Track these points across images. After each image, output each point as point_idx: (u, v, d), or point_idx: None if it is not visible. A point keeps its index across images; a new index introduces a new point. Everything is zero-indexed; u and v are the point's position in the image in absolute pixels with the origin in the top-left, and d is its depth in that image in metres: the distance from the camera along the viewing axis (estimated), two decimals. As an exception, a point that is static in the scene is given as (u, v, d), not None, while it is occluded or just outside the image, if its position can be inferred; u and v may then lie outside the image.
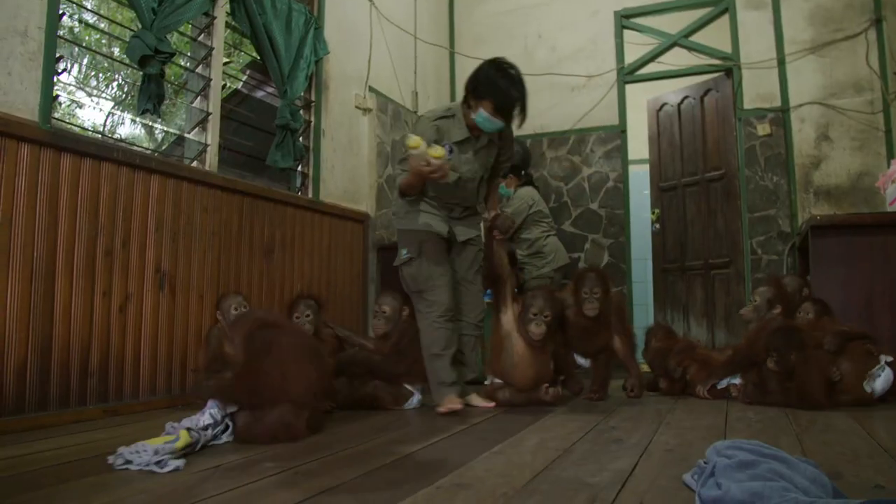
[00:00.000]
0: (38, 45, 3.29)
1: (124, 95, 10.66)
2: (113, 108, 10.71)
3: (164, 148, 5.49)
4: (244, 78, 6.48)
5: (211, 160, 4.31)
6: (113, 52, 7.88)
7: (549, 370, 3.79)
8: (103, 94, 9.77)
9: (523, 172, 6.35)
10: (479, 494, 1.95)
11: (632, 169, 7.11)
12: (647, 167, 7.27)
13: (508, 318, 3.74)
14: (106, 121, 10.80)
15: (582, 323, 3.89)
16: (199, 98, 4.42)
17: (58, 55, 3.43)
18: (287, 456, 2.53)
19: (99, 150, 3.52)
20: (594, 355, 4.14)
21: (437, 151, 3.40)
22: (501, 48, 7.34)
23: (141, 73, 3.84)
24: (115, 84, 10.36)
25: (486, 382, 3.96)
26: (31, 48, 3.25)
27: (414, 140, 3.41)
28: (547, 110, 7.16)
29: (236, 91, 5.62)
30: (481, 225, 4.04)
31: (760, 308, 4.35)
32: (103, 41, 8.68)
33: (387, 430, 3.10)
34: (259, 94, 5.87)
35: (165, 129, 5.10)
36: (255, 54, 4.93)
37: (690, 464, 2.13)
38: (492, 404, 3.73)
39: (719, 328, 6.43)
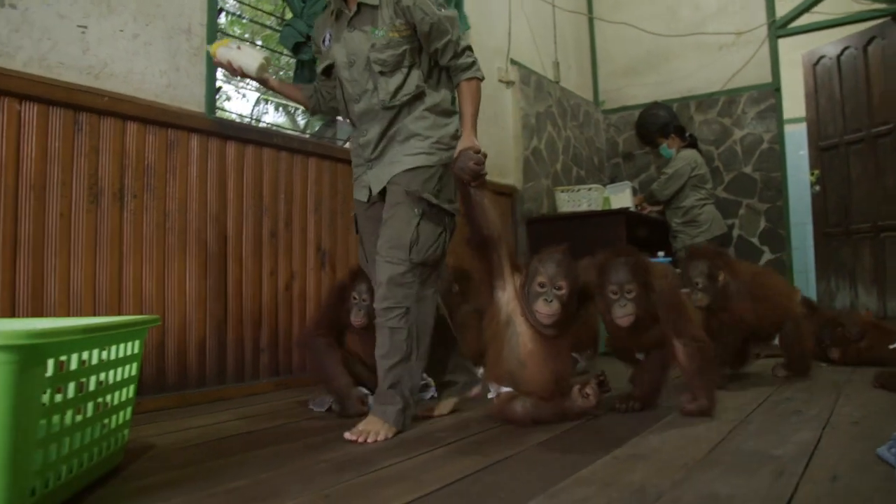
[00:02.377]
0: (201, 40, 3.38)
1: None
2: (261, 96, 11.09)
3: (314, 131, 5.57)
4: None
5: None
6: (256, 44, 8.08)
7: (567, 367, 2.59)
8: (249, 85, 10.12)
9: (688, 134, 6.03)
10: (658, 465, 1.90)
11: (787, 129, 6.63)
12: (803, 126, 6.75)
13: (508, 296, 2.52)
14: (252, 109, 11.23)
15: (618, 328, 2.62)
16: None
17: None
18: (461, 426, 2.53)
19: (260, 137, 3.61)
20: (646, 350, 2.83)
21: (222, 42, 2.75)
22: (642, 10, 7.04)
23: (294, 60, 3.89)
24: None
25: (489, 395, 2.70)
26: (194, 44, 3.34)
27: (213, 46, 2.75)
28: (693, 72, 6.80)
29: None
30: (418, 155, 2.55)
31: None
32: (246, 35, 8.96)
33: None
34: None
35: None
36: (400, 34, 4.91)
37: (881, 437, 1.98)
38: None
39: (893, 296, 5.86)
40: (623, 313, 2.51)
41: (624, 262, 2.55)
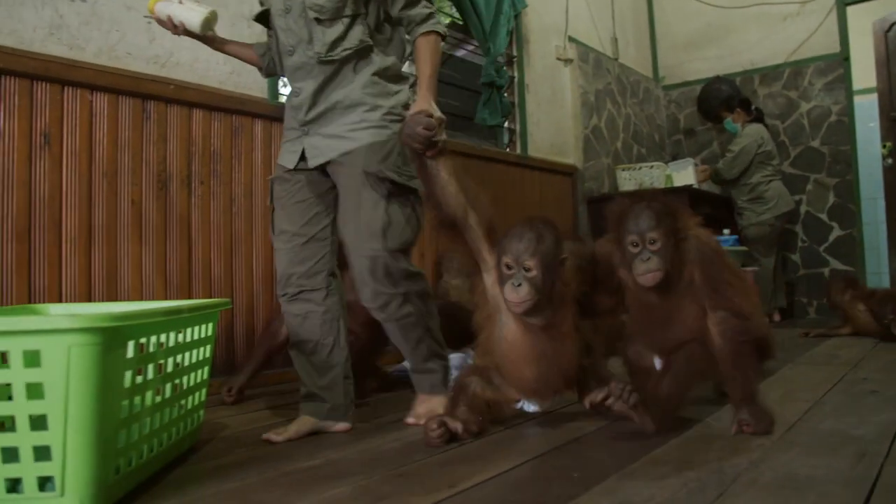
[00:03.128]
0: (262, 28, 3.36)
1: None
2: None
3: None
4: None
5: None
6: None
7: (568, 364, 2.11)
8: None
9: (753, 107, 5.84)
10: (733, 445, 1.87)
11: (857, 100, 6.35)
12: (874, 97, 6.46)
13: (493, 281, 2.11)
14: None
15: (643, 298, 2.18)
16: (407, 62, 4.40)
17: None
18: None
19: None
20: (671, 352, 2.17)
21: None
22: (704, -18, 6.84)
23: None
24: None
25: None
26: (256, 31, 3.34)
27: (151, 1, 2.38)
28: (756, 44, 6.58)
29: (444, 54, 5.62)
30: (369, 129, 2.22)
31: None
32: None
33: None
34: (459, 52, 5.81)
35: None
36: (455, 15, 4.86)
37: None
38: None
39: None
40: (645, 269, 2.01)
41: (646, 206, 2.07)
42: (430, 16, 2.27)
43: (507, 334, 2.10)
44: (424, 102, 2.09)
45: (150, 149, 2.91)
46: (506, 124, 5.11)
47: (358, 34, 2.22)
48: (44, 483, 1.40)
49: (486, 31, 4.71)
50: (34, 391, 1.38)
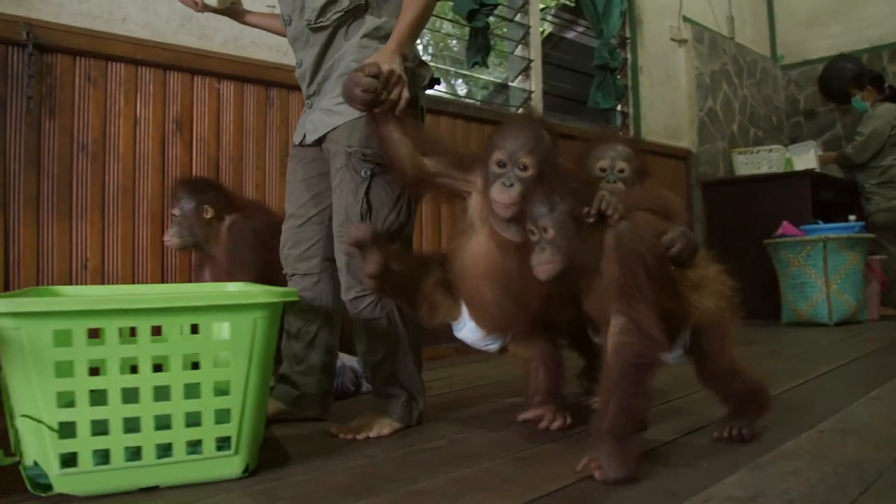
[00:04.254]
0: None
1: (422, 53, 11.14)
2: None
3: (485, 96, 5.59)
4: (549, 20, 6.35)
5: (536, 106, 4.24)
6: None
7: (537, 297, 1.73)
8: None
9: (887, 86, 5.46)
10: (872, 440, 1.74)
11: None
12: None
13: (475, 197, 1.82)
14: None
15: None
16: (519, 46, 4.36)
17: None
18: (651, 394, 2.43)
19: (436, 106, 3.60)
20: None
21: None
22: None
23: (468, 27, 3.86)
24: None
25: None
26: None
27: None
28: (886, 18, 6.17)
29: (549, 35, 5.53)
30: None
31: None
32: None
33: None
34: (570, 34, 5.72)
35: (488, 78, 5.16)
36: (568, -3, 4.78)
37: None
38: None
39: None
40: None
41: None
42: None
43: (475, 246, 1.79)
44: (381, 55, 1.81)
45: (274, 134, 2.98)
46: (619, 107, 4.98)
47: None
48: (220, 444, 1.53)
49: (598, 13, 4.60)
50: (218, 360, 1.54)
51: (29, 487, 1.41)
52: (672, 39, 5.45)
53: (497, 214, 1.72)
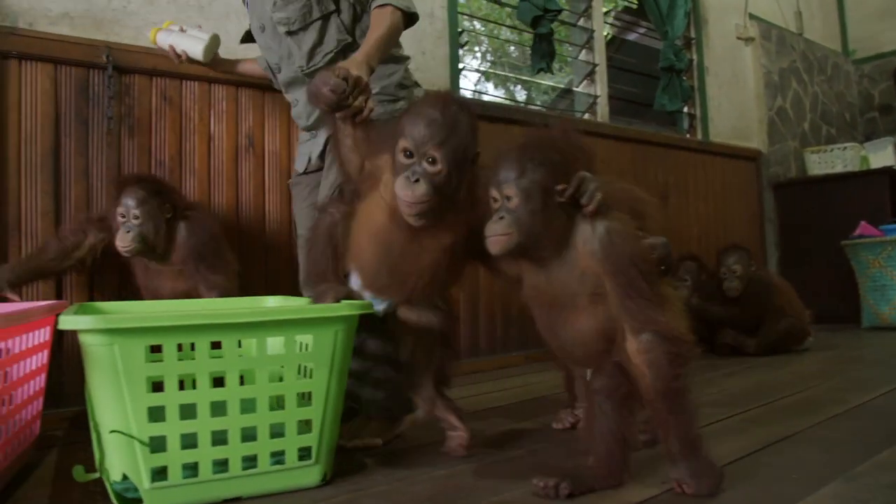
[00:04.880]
0: (444, 23, 3.41)
1: (487, 60, 11.10)
2: (479, 72, 11.17)
3: (548, 102, 5.55)
4: (612, 23, 6.26)
5: (602, 111, 4.19)
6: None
7: (418, 275, 1.68)
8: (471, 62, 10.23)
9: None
10: None
11: None
12: None
13: (383, 161, 1.68)
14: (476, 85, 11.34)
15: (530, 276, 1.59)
16: (583, 50, 4.31)
17: (459, 30, 3.54)
18: (726, 401, 2.36)
19: (505, 114, 3.59)
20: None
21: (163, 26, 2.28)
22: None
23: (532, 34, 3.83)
24: (478, 51, 10.75)
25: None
26: (437, 27, 3.39)
27: (153, 31, 2.32)
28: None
29: (612, 38, 5.46)
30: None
31: None
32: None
33: (817, 377, 2.81)
34: (631, 36, 5.63)
35: (548, 83, 5.11)
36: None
37: None
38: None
39: None
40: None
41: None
42: None
43: (371, 211, 1.69)
44: (350, 62, 1.81)
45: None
46: (685, 109, 4.88)
47: (334, 34, 2.12)
48: (301, 453, 1.56)
49: (663, 14, 4.51)
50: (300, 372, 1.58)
51: (115, 503, 1.42)
52: (738, 38, 5.31)
53: (401, 206, 1.54)
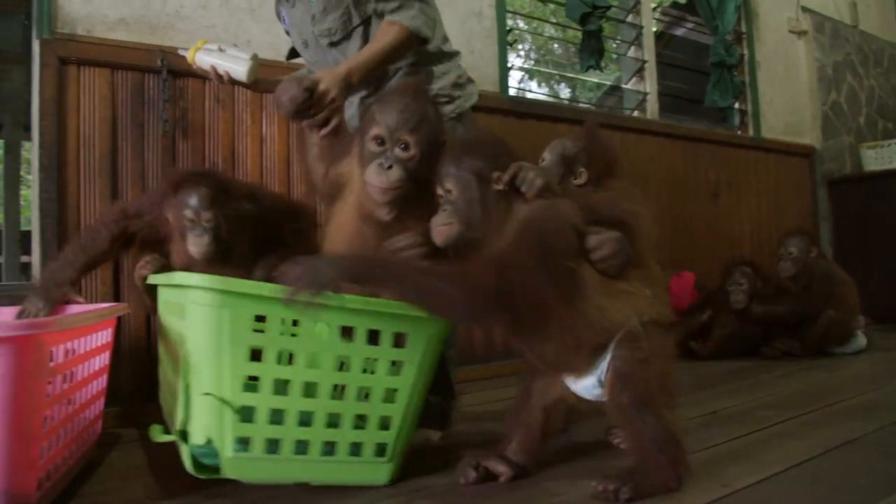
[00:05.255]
0: (492, 21, 3.39)
1: (533, 58, 11.03)
2: (524, 70, 11.11)
3: (596, 99, 5.50)
4: (662, 18, 6.17)
5: (651, 108, 4.13)
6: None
7: None
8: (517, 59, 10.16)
9: None
10: None
11: None
12: None
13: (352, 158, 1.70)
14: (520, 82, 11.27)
15: None
16: (632, 47, 4.26)
17: (507, 28, 3.53)
18: (782, 404, 2.34)
19: (552, 112, 3.57)
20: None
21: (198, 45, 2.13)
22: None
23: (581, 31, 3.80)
24: (521, 48, 10.68)
25: None
26: (486, 26, 3.37)
27: (190, 51, 2.14)
28: None
29: (660, 34, 5.38)
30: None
31: None
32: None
33: (874, 380, 2.77)
34: (678, 31, 5.55)
35: (594, 80, 5.07)
36: (679, -7, 4.64)
37: None
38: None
39: None
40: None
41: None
42: (398, 8, 1.95)
43: (341, 215, 1.70)
44: (327, 73, 1.78)
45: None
46: (736, 105, 4.79)
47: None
48: (378, 450, 1.57)
49: (713, 9, 4.43)
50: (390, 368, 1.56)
51: (188, 466, 1.43)
52: (791, 32, 5.19)
53: (371, 197, 1.56)
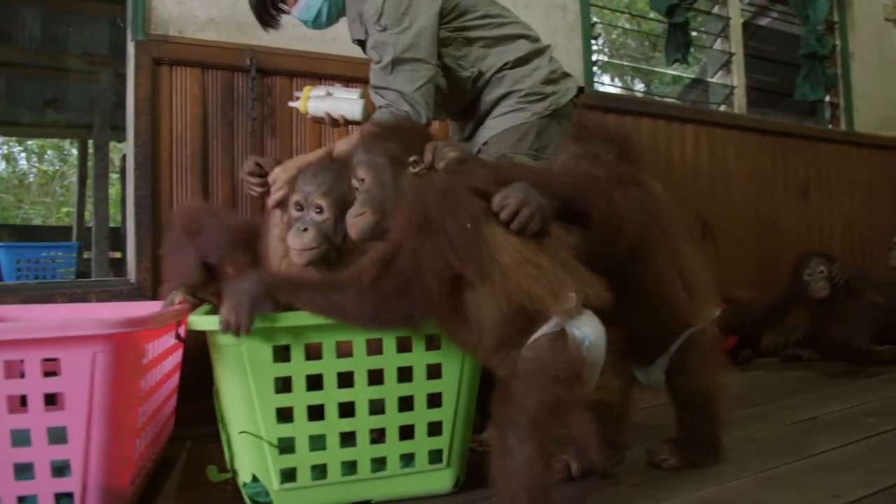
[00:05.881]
0: (576, 15, 3.34)
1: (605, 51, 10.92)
2: (600, 63, 10.96)
3: (678, 93, 5.36)
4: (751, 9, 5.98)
5: (739, 102, 4.00)
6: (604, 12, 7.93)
7: None
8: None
9: None
10: None
11: None
12: None
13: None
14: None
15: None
16: (717, 39, 4.13)
17: (592, 22, 3.47)
18: (886, 411, 2.24)
19: (637, 107, 3.52)
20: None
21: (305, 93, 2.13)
22: None
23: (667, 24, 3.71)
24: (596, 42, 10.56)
25: None
26: (570, 19, 3.32)
27: (303, 100, 2.12)
28: None
29: (745, 24, 5.22)
30: (507, 114, 2.08)
31: None
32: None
33: None
34: (762, 20, 5.36)
35: (675, 74, 4.95)
36: (768, -18, 4.49)
37: None
38: None
39: None
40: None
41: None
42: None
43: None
44: (289, 161, 1.86)
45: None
46: (827, 98, 4.59)
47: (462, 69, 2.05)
48: (432, 457, 1.52)
49: (804, -2, 4.27)
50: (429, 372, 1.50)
51: None
52: (887, 20, 4.95)
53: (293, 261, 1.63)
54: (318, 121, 2.14)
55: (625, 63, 8.62)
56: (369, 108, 2.08)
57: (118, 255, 5.53)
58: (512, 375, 1.24)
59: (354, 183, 1.50)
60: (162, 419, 1.84)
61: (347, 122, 2.12)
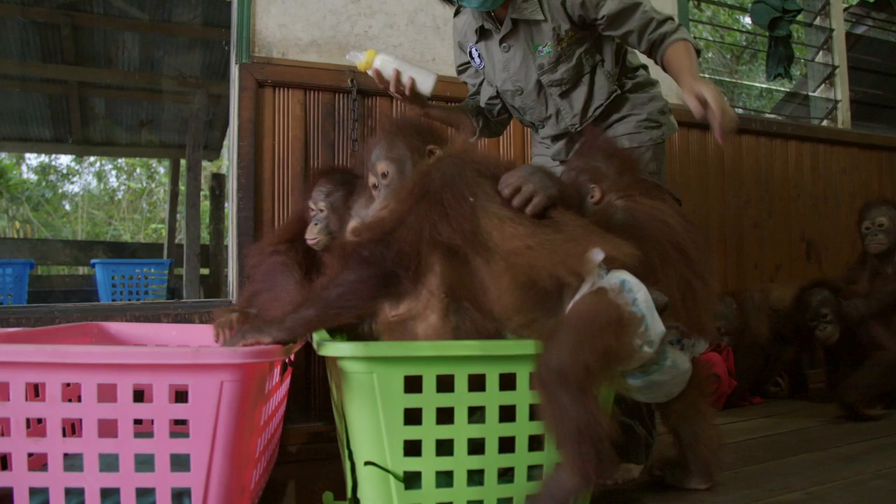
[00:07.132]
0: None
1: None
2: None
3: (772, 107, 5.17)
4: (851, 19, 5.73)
5: (843, 117, 3.83)
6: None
7: None
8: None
9: None
10: None
11: None
12: None
13: None
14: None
15: None
16: (819, 52, 3.97)
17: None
18: None
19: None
20: None
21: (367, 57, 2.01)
22: None
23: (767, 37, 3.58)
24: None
25: None
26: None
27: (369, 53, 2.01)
28: None
29: (847, 34, 5.01)
30: (621, 137, 2.05)
31: None
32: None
33: None
34: (859, 29, 5.13)
35: (766, 87, 4.76)
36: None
37: None
38: None
39: None
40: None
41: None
42: (674, 30, 1.88)
43: None
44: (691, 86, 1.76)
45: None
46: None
47: (604, 87, 2.01)
48: None
49: (911, 6, 4.07)
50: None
51: None
52: None
53: None
54: (379, 80, 2.04)
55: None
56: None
57: (205, 271, 5.67)
58: (558, 330, 1.29)
59: (373, 180, 1.61)
60: (273, 446, 1.84)
61: (411, 92, 2.01)
